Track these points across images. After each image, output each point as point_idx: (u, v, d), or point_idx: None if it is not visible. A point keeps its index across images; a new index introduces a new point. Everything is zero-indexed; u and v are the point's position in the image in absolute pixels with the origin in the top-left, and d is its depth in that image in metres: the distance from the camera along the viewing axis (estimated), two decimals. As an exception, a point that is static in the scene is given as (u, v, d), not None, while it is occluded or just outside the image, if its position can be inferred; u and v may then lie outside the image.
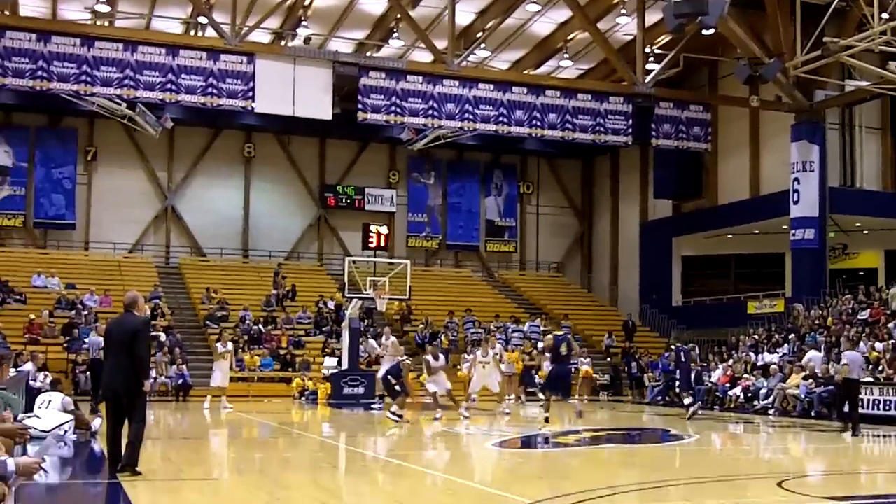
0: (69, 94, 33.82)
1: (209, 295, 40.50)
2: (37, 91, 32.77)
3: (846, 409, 23.15)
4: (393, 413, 23.32)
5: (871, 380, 27.41)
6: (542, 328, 40.86)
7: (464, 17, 39.42)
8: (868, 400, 26.37)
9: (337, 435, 22.02)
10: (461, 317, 42.00)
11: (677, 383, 30.02)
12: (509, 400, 32.36)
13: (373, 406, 30.30)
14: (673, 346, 31.71)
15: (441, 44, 37.41)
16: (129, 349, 12.67)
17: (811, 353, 30.30)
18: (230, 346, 29.77)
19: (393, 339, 29.53)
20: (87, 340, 31.41)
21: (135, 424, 12.59)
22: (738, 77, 35.59)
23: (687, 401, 27.73)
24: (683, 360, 28.89)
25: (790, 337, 33.83)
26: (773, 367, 30.94)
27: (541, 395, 22.50)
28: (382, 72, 35.40)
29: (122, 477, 12.27)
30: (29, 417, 14.87)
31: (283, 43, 38.98)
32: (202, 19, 36.90)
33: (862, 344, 30.17)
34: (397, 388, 24.33)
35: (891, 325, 30.53)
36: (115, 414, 12.80)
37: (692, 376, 30.07)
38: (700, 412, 28.20)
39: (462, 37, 39.99)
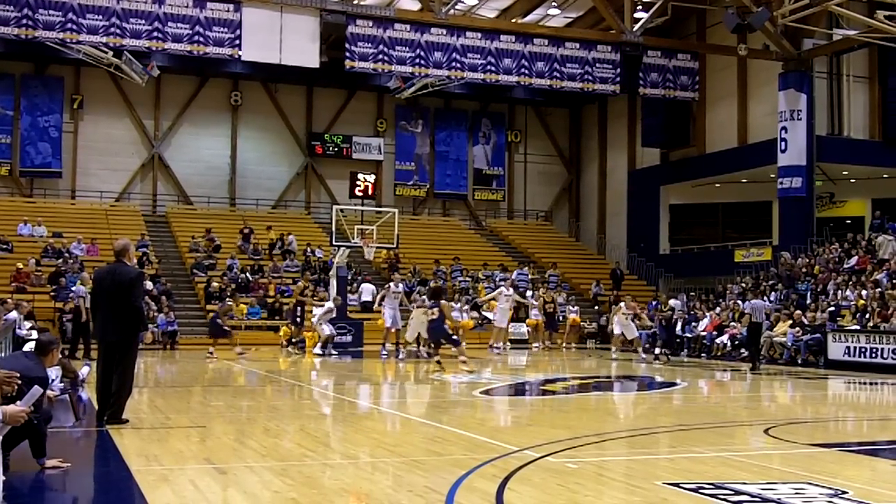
0: (55, 43, 33.59)
1: (196, 242, 40.45)
2: (22, 39, 32.55)
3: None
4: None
5: (857, 328, 27.59)
6: (529, 277, 40.97)
7: (451, -36, 39.06)
8: (855, 348, 26.57)
9: (325, 383, 22.05)
10: (448, 265, 42.00)
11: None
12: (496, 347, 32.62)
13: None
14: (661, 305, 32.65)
15: (429, -9, 37.17)
16: (124, 301, 12.64)
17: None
18: (401, 286, 31.46)
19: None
20: (73, 289, 31.40)
21: (121, 373, 12.59)
22: (726, 25, 35.40)
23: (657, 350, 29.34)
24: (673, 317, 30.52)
25: (778, 286, 33.97)
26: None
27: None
28: (370, 20, 35.26)
29: (109, 426, 12.29)
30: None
31: (269, -10, 38.74)
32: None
33: (849, 292, 30.36)
34: None
35: (877, 273, 30.63)
36: (108, 364, 12.76)
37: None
38: (686, 360, 28.71)
39: (450, -16, 39.72)
